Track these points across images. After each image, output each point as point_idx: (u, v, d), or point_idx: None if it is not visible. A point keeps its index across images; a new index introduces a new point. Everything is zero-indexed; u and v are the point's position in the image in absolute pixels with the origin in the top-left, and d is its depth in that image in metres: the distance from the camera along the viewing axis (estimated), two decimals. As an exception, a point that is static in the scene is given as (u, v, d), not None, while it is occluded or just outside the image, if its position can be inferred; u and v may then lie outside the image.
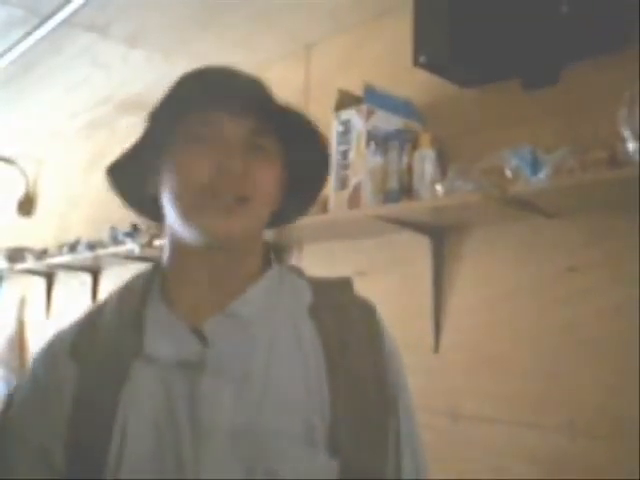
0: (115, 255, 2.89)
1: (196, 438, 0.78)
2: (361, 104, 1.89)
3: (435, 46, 1.76)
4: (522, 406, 1.65)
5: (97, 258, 3.07)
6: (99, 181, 3.62)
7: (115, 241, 2.97)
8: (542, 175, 1.47)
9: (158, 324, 0.84)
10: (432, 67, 1.81)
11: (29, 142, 3.89)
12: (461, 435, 1.76)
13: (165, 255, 0.89)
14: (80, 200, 3.65)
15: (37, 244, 3.67)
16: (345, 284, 0.95)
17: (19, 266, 3.59)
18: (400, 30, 1.97)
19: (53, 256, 3.39)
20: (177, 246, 0.87)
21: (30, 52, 2.68)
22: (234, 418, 0.80)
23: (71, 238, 3.37)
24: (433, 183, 1.69)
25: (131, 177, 0.90)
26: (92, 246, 3.10)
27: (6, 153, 4.03)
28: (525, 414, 1.64)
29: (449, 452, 1.76)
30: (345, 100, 1.96)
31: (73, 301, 3.48)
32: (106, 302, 0.89)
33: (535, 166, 1.50)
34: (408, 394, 0.93)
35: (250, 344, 0.84)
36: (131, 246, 2.77)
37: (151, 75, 2.86)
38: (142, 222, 2.82)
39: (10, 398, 0.87)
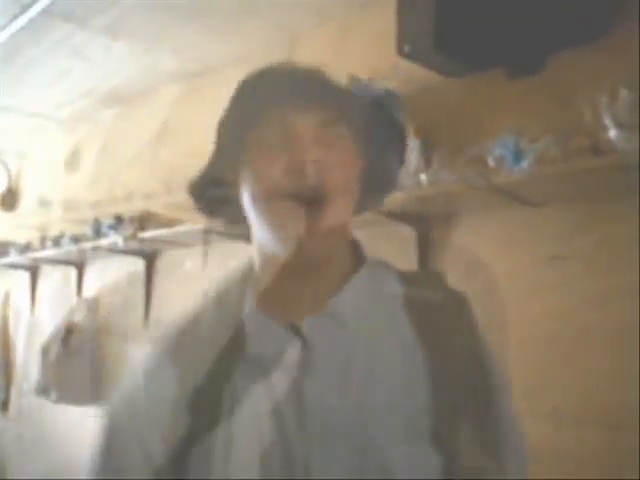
0: (98, 248, 2.88)
1: (305, 441, 0.80)
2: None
3: (419, 36, 1.77)
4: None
5: (81, 251, 3.07)
6: (83, 174, 3.59)
7: (98, 234, 2.97)
8: (525, 164, 1.49)
9: (256, 325, 0.85)
10: (416, 57, 1.82)
11: (10, 136, 3.87)
12: None
13: (255, 257, 0.90)
14: (63, 191, 3.64)
15: (20, 238, 3.66)
16: (436, 277, 0.96)
17: (3, 260, 3.59)
18: (384, 21, 1.98)
19: (37, 250, 3.39)
20: (265, 252, 0.88)
21: (10, 43, 2.67)
22: (341, 419, 0.81)
23: (55, 232, 3.37)
24: (417, 173, 1.71)
25: (211, 193, 0.91)
26: (76, 239, 3.09)
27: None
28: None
29: None
30: None
31: (58, 295, 3.49)
32: (205, 304, 0.92)
33: (518, 155, 1.53)
34: (507, 393, 0.93)
35: (349, 343, 0.84)
36: (114, 239, 2.76)
37: (134, 67, 2.85)
38: (126, 213, 2.80)
39: (118, 402, 0.89)
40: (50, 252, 3.25)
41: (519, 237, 1.70)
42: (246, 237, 0.92)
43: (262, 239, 0.87)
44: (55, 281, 3.55)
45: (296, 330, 0.84)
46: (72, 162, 3.66)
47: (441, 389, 0.84)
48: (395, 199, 1.77)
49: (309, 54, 2.42)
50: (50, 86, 3.12)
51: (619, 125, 1.37)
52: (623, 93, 1.38)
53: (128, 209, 2.84)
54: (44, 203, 3.75)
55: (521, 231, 1.70)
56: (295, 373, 0.82)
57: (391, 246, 1.97)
